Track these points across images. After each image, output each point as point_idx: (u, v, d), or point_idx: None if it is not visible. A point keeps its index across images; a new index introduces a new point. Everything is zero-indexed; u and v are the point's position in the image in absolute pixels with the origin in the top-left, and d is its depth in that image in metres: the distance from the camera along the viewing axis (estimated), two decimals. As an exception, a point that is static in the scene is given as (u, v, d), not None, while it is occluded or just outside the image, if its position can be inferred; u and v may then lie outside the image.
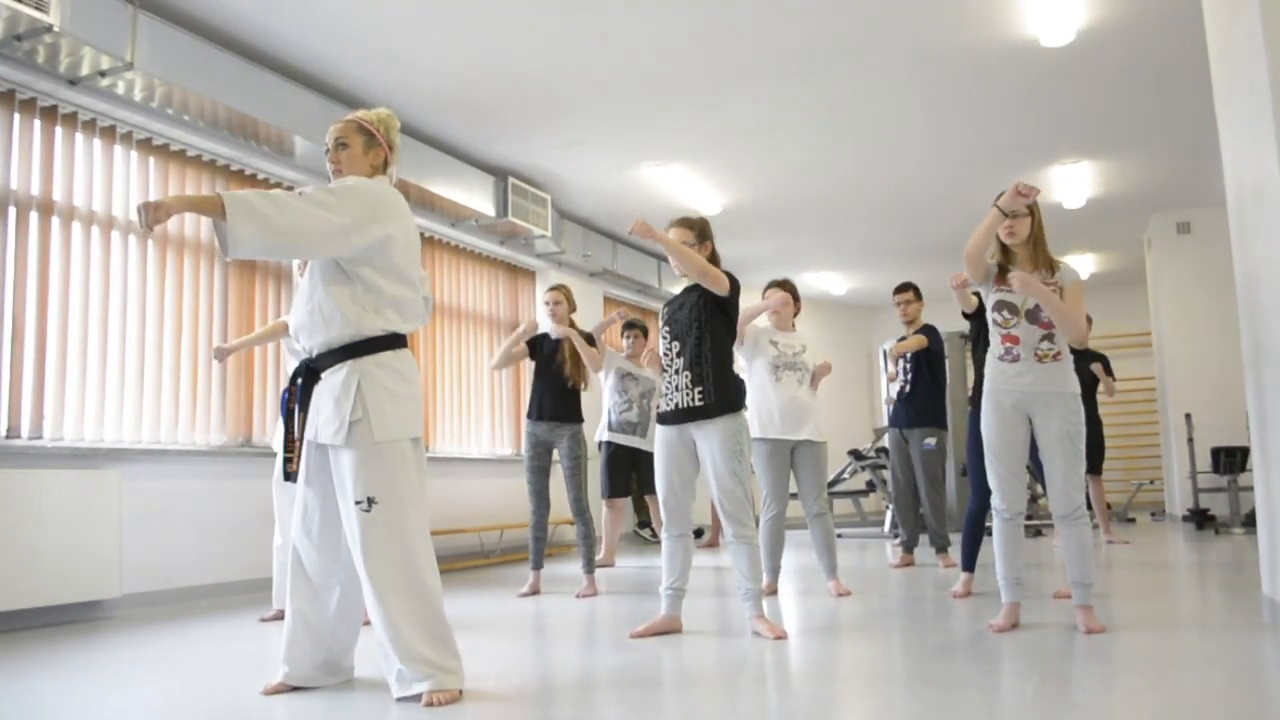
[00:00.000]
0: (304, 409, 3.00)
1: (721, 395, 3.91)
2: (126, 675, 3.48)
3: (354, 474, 2.91)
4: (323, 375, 2.99)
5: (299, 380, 3.04)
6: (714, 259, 4.09)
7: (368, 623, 3.30)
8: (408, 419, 3.00)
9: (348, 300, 2.96)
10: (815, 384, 5.25)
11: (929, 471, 6.39)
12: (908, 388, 6.43)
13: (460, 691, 2.93)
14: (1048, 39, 5.93)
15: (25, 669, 3.61)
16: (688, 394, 3.93)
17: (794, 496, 5.36)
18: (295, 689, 3.07)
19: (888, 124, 7.40)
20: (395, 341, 3.03)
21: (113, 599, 5.00)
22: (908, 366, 6.44)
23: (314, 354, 3.01)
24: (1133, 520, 10.75)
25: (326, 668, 3.12)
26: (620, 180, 8.50)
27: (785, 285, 5.28)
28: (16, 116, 5.04)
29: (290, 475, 3.02)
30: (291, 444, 3.02)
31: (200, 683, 3.31)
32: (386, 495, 2.91)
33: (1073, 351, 3.96)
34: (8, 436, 4.82)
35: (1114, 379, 7.68)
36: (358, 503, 2.90)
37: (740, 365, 4.63)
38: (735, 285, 3.99)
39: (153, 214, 2.62)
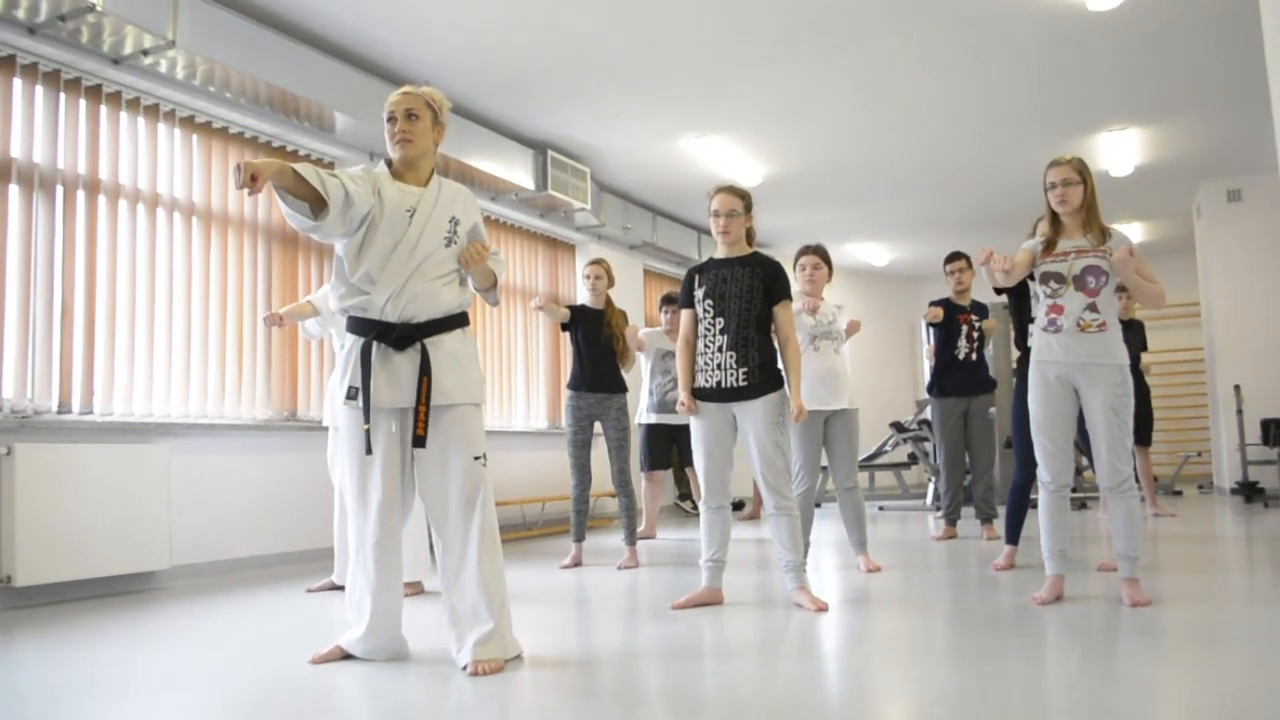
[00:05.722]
0: (367, 376, 2.98)
1: (765, 376, 3.91)
2: (177, 645, 3.55)
3: (473, 430, 3.05)
4: (426, 342, 3.02)
5: (370, 348, 2.99)
6: (750, 233, 4.09)
7: (410, 594, 3.33)
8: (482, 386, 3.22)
9: (454, 274, 3.13)
10: (846, 337, 5.37)
11: (987, 442, 6.37)
12: (974, 355, 6.35)
13: (520, 656, 3.04)
14: (1094, 2, 5.80)
15: (79, 639, 3.70)
16: (732, 374, 3.91)
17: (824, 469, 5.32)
18: (345, 657, 3.09)
19: (930, 91, 7.29)
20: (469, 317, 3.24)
21: (163, 570, 5.10)
22: (974, 335, 6.35)
23: (421, 320, 3.02)
24: (1179, 493, 10.61)
25: (397, 642, 3.14)
26: (660, 152, 8.45)
27: (818, 251, 5.19)
28: (62, 96, 5.11)
29: (370, 447, 2.99)
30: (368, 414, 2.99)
31: (250, 652, 3.37)
32: (487, 454, 3.08)
33: (1121, 323, 3.91)
34: (59, 412, 4.92)
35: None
36: (476, 458, 3.02)
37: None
38: (783, 273, 4.05)
39: (252, 182, 2.66)
